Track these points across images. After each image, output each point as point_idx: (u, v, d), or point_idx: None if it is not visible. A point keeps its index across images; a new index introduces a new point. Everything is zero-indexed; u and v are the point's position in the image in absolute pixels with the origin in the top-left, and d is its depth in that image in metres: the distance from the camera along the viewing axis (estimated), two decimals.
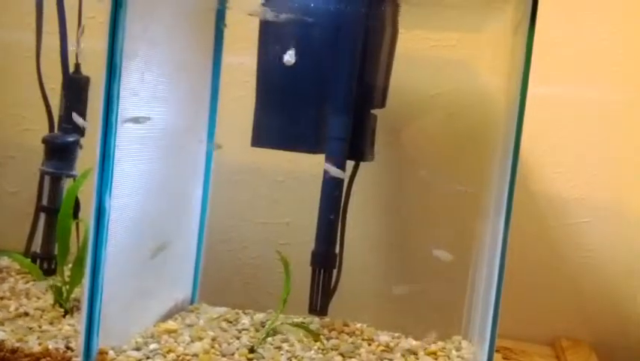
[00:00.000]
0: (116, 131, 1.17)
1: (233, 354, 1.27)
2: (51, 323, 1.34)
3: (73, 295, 1.43)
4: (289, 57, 1.29)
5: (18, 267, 1.63)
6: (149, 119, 1.26)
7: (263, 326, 1.43)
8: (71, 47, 1.59)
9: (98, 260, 1.17)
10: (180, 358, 1.23)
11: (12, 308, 1.39)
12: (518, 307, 1.63)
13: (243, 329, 1.42)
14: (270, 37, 1.43)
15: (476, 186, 1.47)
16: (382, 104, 1.49)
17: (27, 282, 1.57)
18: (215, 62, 1.54)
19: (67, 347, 1.22)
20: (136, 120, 1.22)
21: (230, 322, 1.46)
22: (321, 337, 1.39)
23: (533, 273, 1.70)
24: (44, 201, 1.60)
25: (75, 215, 1.50)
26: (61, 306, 1.42)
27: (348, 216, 1.50)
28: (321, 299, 1.42)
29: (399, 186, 1.72)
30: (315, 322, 1.46)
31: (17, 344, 1.22)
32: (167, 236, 1.43)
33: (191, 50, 1.45)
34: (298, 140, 1.42)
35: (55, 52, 1.60)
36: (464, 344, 1.43)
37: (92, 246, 1.17)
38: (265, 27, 1.43)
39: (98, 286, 1.18)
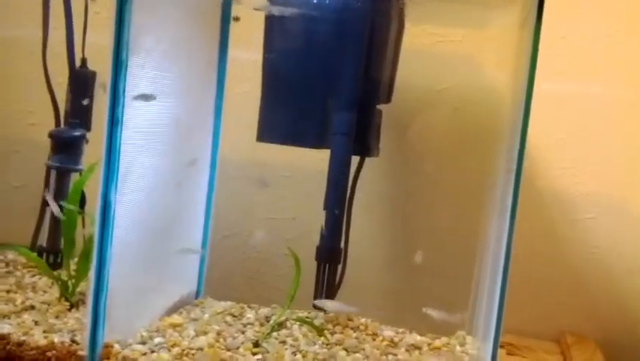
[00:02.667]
0: (122, 126, 1.17)
1: (237, 348, 1.27)
2: (57, 317, 1.35)
3: (78, 289, 1.44)
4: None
5: (24, 261, 1.64)
6: (155, 97, 1.25)
7: (267, 321, 1.44)
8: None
9: (104, 254, 1.18)
10: (185, 352, 1.23)
11: (18, 302, 1.40)
12: (523, 303, 1.63)
13: (248, 324, 1.42)
14: (276, 32, 1.43)
15: (482, 181, 1.47)
16: (388, 100, 1.49)
17: (33, 276, 1.57)
18: (221, 56, 1.54)
19: (73, 341, 1.23)
20: (144, 98, 1.22)
21: (235, 316, 1.46)
22: (325, 332, 1.39)
23: (538, 269, 1.70)
24: (51, 196, 1.61)
25: (81, 209, 1.50)
26: (66, 300, 1.42)
27: (353, 211, 1.50)
28: (325, 294, 1.42)
29: (404, 181, 1.72)
30: (319, 316, 1.46)
31: (23, 338, 1.23)
32: (173, 231, 1.44)
33: (197, 45, 1.45)
34: (303, 135, 1.43)
35: (61, 46, 1.61)
36: (468, 339, 1.43)
37: (97, 240, 1.18)
38: (271, 22, 1.43)
39: (104, 280, 1.18)
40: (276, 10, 1.38)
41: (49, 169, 1.61)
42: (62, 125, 1.65)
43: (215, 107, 1.55)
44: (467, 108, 1.67)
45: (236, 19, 1.51)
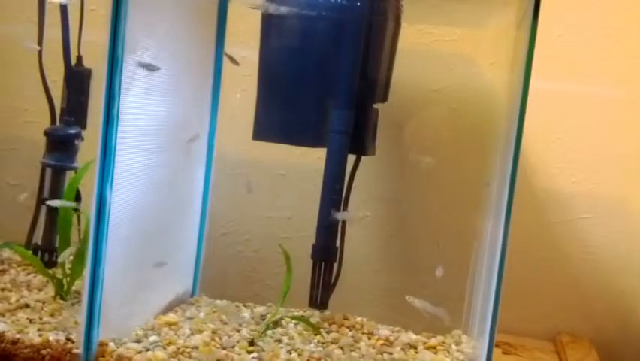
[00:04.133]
0: (117, 124, 1.17)
1: (233, 347, 1.27)
2: (52, 315, 1.35)
3: (74, 288, 1.44)
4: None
5: (19, 259, 1.63)
6: (159, 68, 1.25)
7: (263, 319, 1.44)
8: None
9: (99, 253, 1.17)
10: (180, 350, 1.23)
11: (13, 300, 1.40)
12: (519, 302, 1.63)
13: (244, 322, 1.42)
14: (272, 30, 1.43)
15: (478, 180, 1.47)
16: (384, 99, 1.49)
17: (28, 274, 1.57)
18: (217, 55, 1.54)
19: (68, 339, 1.23)
20: (147, 67, 1.21)
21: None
22: (321, 330, 1.39)
23: (534, 268, 1.70)
24: (46, 194, 1.60)
25: (76, 207, 1.50)
26: (61, 298, 1.42)
27: (349, 209, 1.50)
28: (321, 293, 1.42)
29: (400, 180, 1.72)
30: (315, 315, 1.46)
31: (18, 336, 1.23)
32: (169, 229, 1.44)
33: (193, 43, 1.45)
34: (300, 134, 1.42)
35: (57, 44, 1.60)
36: (464, 338, 1.43)
37: (92, 238, 1.17)
38: (267, 20, 1.43)
39: (99, 279, 1.18)
40: (273, 9, 1.38)
41: (44, 167, 1.61)
42: (58, 124, 1.64)
43: (212, 106, 1.55)
44: (463, 107, 1.67)
45: (233, 60, 1.51)
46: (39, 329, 1.26)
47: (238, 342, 1.29)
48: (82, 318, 1.19)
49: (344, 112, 1.39)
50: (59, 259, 1.42)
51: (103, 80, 1.16)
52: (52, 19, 1.61)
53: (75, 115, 1.61)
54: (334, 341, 1.35)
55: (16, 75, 1.84)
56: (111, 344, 1.21)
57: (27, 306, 1.38)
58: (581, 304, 1.71)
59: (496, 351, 1.42)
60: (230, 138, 1.60)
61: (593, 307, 1.71)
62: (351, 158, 1.46)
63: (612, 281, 1.70)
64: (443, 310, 1.31)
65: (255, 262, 1.80)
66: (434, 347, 1.38)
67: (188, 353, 1.23)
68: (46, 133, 1.60)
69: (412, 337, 1.42)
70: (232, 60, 1.50)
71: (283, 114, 1.43)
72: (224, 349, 1.26)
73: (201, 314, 1.44)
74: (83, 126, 1.61)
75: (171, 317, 1.39)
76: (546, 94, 1.65)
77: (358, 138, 1.42)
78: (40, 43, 1.64)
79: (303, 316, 1.45)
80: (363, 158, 1.50)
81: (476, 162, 1.55)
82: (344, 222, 1.48)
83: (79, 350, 1.19)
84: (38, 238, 1.62)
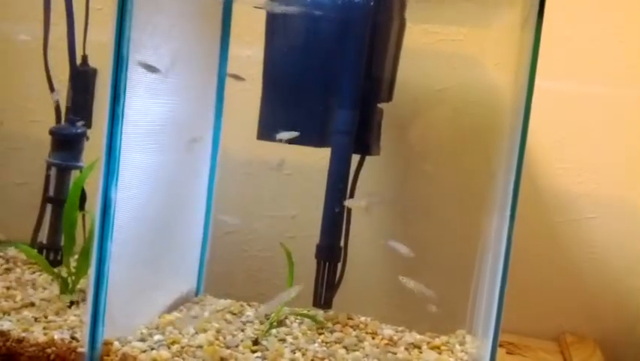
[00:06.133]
0: (122, 123, 1.17)
1: (237, 346, 1.27)
2: (57, 314, 1.35)
3: (78, 286, 1.44)
4: None
5: (24, 258, 1.64)
6: (159, 70, 1.25)
7: (267, 319, 1.44)
8: None
9: (104, 251, 1.18)
10: (184, 349, 1.23)
11: (18, 298, 1.40)
12: (523, 302, 1.63)
13: (248, 321, 1.42)
14: (277, 30, 1.43)
15: (482, 180, 1.47)
16: (389, 98, 1.49)
17: (33, 273, 1.57)
18: (222, 54, 1.54)
19: (73, 338, 1.23)
20: (150, 68, 1.22)
21: (235, 314, 1.47)
22: (325, 330, 1.39)
23: (538, 268, 1.70)
24: (51, 193, 1.61)
25: (81, 206, 1.51)
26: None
27: (353, 209, 1.50)
28: (325, 292, 1.42)
29: (404, 180, 1.72)
30: (319, 315, 1.46)
31: (23, 334, 1.23)
32: (173, 228, 1.44)
33: (198, 43, 1.45)
34: (304, 134, 1.42)
35: (62, 43, 1.60)
36: (468, 338, 1.43)
37: (97, 237, 1.18)
38: (272, 20, 1.43)
39: (104, 278, 1.18)
40: (277, 8, 1.38)
41: (49, 166, 1.61)
42: (63, 123, 1.64)
43: (216, 105, 1.55)
44: (468, 108, 1.67)
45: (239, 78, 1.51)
46: (44, 328, 1.27)
47: (242, 341, 1.29)
48: (87, 317, 1.19)
49: (348, 112, 1.39)
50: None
51: (108, 79, 1.17)
52: (58, 18, 1.61)
53: (80, 114, 1.61)
54: (338, 341, 1.35)
55: (21, 74, 1.85)
56: (116, 343, 1.21)
57: (32, 305, 1.38)
58: (585, 304, 1.71)
59: (500, 351, 1.42)
60: (235, 138, 1.60)
61: (598, 307, 1.70)
62: (355, 157, 1.46)
63: (617, 281, 1.70)
64: (432, 293, 1.31)
65: (260, 261, 1.80)
66: (438, 347, 1.38)
67: (192, 352, 1.23)
68: (51, 132, 1.60)
69: (416, 337, 1.42)
70: (238, 78, 1.49)
71: (288, 114, 1.43)
72: (228, 348, 1.26)
73: (205, 313, 1.44)
74: (89, 125, 1.61)
75: (176, 315, 1.39)
76: (551, 94, 1.64)
77: (363, 137, 1.42)
78: (45, 42, 1.65)
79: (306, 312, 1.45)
80: (367, 157, 1.50)
81: (480, 162, 1.55)
82: (348, 222, 1.48)
83: (84, 349, 1.20)
84: (44, 236, 1.62)
